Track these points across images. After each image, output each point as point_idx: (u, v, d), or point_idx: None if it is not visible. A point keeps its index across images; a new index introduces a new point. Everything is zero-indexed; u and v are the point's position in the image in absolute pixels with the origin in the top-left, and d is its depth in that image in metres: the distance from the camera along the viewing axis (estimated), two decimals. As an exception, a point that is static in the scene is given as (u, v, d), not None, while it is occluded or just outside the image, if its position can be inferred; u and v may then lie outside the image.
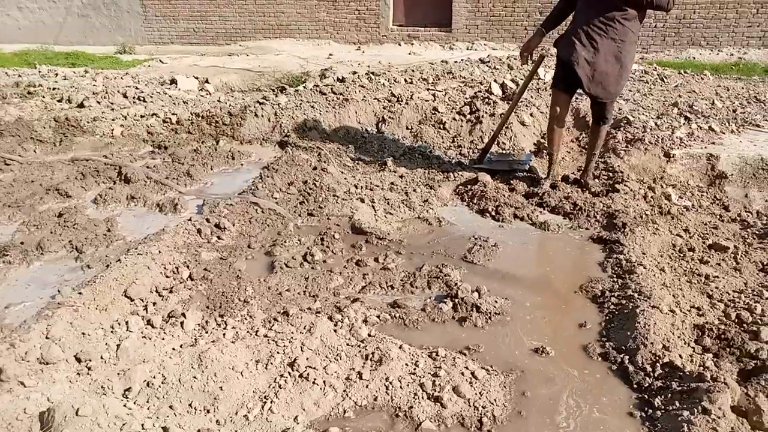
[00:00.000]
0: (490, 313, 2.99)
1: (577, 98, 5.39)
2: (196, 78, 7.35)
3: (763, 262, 3.52)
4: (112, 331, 2.72)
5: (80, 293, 2.92)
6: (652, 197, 4.37)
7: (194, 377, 2.42)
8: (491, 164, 4.83)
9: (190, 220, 3.84)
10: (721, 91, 6.53)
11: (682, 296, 3.09)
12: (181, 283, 3.19)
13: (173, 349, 2.65)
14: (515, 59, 7.53)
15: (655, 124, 5.26)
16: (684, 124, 5.29)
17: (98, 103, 6.22)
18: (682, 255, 3.58)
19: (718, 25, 9.94)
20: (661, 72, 7.28)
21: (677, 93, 6.36)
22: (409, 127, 5.50)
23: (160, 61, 9.34)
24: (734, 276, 3.38)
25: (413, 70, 6.79)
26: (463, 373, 2.52)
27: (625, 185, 4.41)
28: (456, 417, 2.31)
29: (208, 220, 3.82)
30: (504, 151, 5.10)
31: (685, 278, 3.33)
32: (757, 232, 3.88)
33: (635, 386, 2.49)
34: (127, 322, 2.79)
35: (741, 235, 3.87)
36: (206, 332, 2.78)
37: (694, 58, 9.70)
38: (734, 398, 2.31)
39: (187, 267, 3.31)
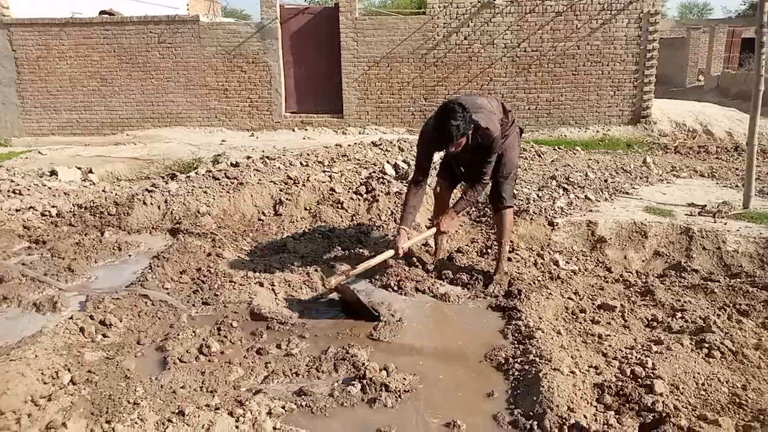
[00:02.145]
0: (399, 391, 2.93)
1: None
2: (79, 168, 7.00)
3: (647, 318, 3.76)
4: (-26, 454, 2.37)
5: (-64, 412, 2.54)
6: (541, 263, 4.60)
7: (76, 497, 2.13)
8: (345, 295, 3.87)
9: (71, 318, 3.52)
10: (592, 164, 7.15)
11: (579, 357, 3.20)
12: (61, 389, 2.87)
13: (51, 466, 2.35)
14: (405, 141, 7.89)
15: (537, 195, 5.62)
16: (563, 194, 5.70)
17: (-34, 198, 5.72)
18: (575, 317, 3.75)
19: (584, 106, 11.04)
20: (538, 149, 7.89)
21: (554, 167, 6.89)
22: (308, 208, 5.50)
23: (39, 152, 8.85)
24: (624, 333, 3.57)
25: (308, 154, 6.89)
26: (376, 458, 2.42)
27: (516, 254, 4.62)
28: (371, 506, 2.19)
29: (91, 317, 3.52)
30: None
31: (581, 339, 3.47)
32: (638, 291, 4.17)
33: (546, 452, 2.49)
34: (-7, 442, 2.44)
35: (625, 294, 4.13)
36: (90, 443, 2.49)
37: (565, 135, 10.63)
38: (638, 453, 2.37)
39: (68, 370, 2.99)
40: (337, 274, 3.88)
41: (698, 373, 3.03)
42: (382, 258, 3.97)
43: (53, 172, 6.92)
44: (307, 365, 3.19)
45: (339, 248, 4.77)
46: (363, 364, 3.13)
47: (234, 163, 6.36)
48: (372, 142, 7.66)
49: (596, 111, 11.03)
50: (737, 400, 2.83)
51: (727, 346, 3.25)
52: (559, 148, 8.37)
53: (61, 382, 2.91)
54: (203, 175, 6.02)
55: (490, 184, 4.24)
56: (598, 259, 4.77)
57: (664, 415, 2.68)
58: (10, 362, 2.93)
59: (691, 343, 3.31)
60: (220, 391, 2.95)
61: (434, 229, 4.21)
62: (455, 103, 3.70)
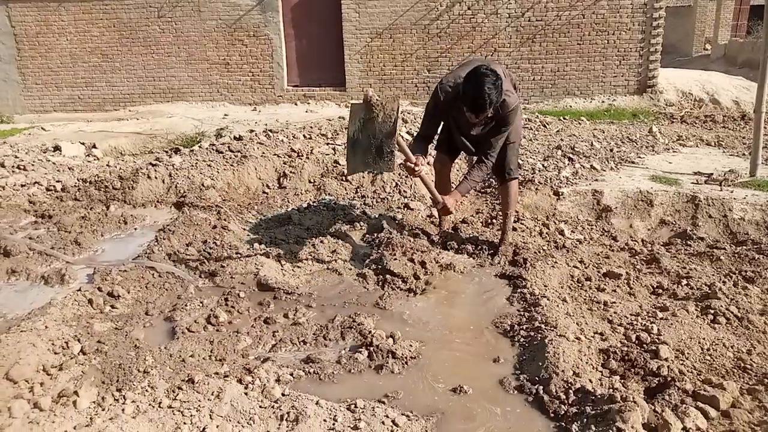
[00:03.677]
0: (406, 357, 2.96)
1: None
2: (83, 144, 6.99)
3: (653, 285, 3.77)
4: (-9, 421, 2.41)
5: (-50, 382, 2.58)
6: (547, 233, 4.60)
7: (90, 460, 2.18)
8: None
9: (79, 290, 3.55)
10: (597, 134, 7.10)
11: (585, 323, 3.22)
12: (72, 358, 2.91)
13: (66, 431, 2.38)
14: (408, 113, 7.82)
15: (543, 165, 5.59)
16: (568, 164, 5.67)
17: (-29, 175, 5.73)
18: (580, 285, 3.76)
19: (589, 76, 10.90)
20: (543, 119, 7.82)
21: (559, 137, 6.84)
22: (312, 181, 5.50)
23: (41, 128, 8.82)
24: (629, 300, 3.58)
25: (311, 127, 6.85)
26: (383, 422, 2.46)
27: (521, 223, 4.61)
28: (380, 468, 2.23)
29: (100, 289, 3.55)
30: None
31: (586, 306, 3.48)
32: (644, 259, 4.17)
33: (552, 415, 2.52)
34: (9, 408, 2.48)
35: (631, 262, 4.14)
36: (103, 409, 2.53)
37: (570, 106, 10.53)
38: (644, 416, 2.40)
39: (78, 341, 3.03)
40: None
41: (703, 339, 3.04)
42: (406, 150, 3.72)
43: (57, 148, 6.91)
44: (314, 334, 3.22)
45: (344, 221, 4.77)
46: (369, 331, 3.16)
47: (237, 136, 6.34)
48: (376, 115, 7.59)
49: (602, 81, 10.90)
50: (742, 364, 2.85)
51: (732, 312, 3.26)
52: (564, 119, 8.30)
53: (72, 352, 2.95)
54: (207, 148, 6.00)
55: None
56: (603, 228, 4.77)
57: (669, 379, 2.70)
58: (21, 333, 2.97)
59: (696, 310, 3.32)
60: (229, 359, 2.98)
61: (440, 198, 4.02)
62: (489, 69, 3.49)
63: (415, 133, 6.22)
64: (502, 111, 3.74)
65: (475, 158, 4.16)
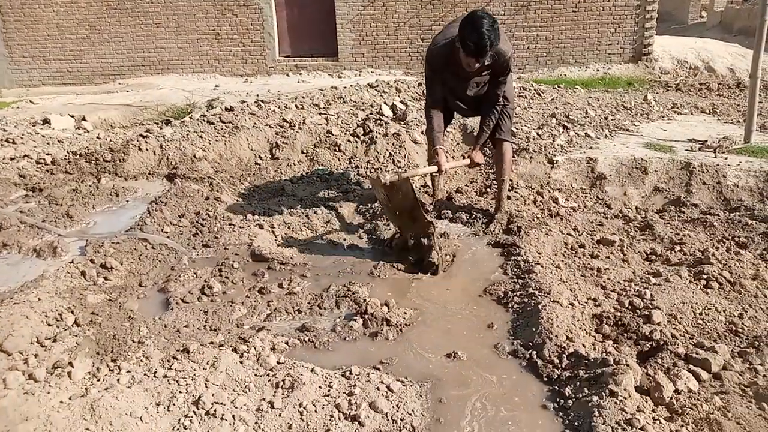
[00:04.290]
0: (400, 325, 2.97)
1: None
2: (72, 116, 6.88)
3: (646, 251, 3.78)
4: (-15, 392, 2.41)
5: (-56, 354, 2.57)
6: (541, 201, 4.59)
7: (87, 429, 2.19)
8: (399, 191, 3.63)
9: (72, 262, 3.53)
10: (592, 102, 7.04)
11: (578, 290, 3.24)
12: (65, 330, 2.90)
13: (61, 402, 2.38)
14: (402, 83, 7.74)
15: (537, 134, 5.55)
16: (563, 132, 5.63)
17: (-41, 148, 5.65)
18: (574, 252, 3.77)
19: (584, 44, 10.78)
20: (538, 88, 7.75)
21: (554, 105, 6.78)
22: (305, 151, 5.45)
23: (30, 101, 8.69)
24: (623, 267, 3.59)
25: (303, 97, 6.77)
26: (378, 388, 2.47)
27: (515, 192, 4.60)
28: (375, 433, 2.25)
29: (92, 261, 3.53)
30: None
31: (579, 273, 3.49)
32: (638, 226, 4.17)
33: (545, 379, 2.55)
34: (4, 380, 2.48)
35: (624, 229, 4.14)
36: (98, 380, 2.53)
37: (565, 75, 10.44)
38: (636, 378, 2.42)
39: (72, 312, 3.02)
40: (391, 173, 3.62)
41: (696, 303, 3.06)
42: (426, 171, 3.85)
43: (46, 121, 6.81)
44: (309, 303, 3.22)
45: (337, 191, 4.75)
46: (364, 300, 3.16)
47: (228, 107, 6.26)
48: (368, 84, 7.51)
49: (597, 49, 10.78)
50: (734, 328, 2.88)
51: (725, 277, 3.28)
52: (559, 87, 8.23)
53: (66, 323, 2.95)
54: (198, 119, 5.92)
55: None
56: (597, 196, 4.76)
57: (661, 343, 2.73)
58: (14, 305, 2.95)
59: (689, 275, 3.34)
60: (224, 329, 2.98)
61: (468, 160, 3.97)
62: (485, 12, 3.43)
63: (410, 104, 6.18)
64: (499, 59, 3.68)
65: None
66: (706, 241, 3.85)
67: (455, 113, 4.30)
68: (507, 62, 3.75)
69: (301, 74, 11.12)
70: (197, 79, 11.02)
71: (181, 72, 11.52)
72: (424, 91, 4.45)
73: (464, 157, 3.94)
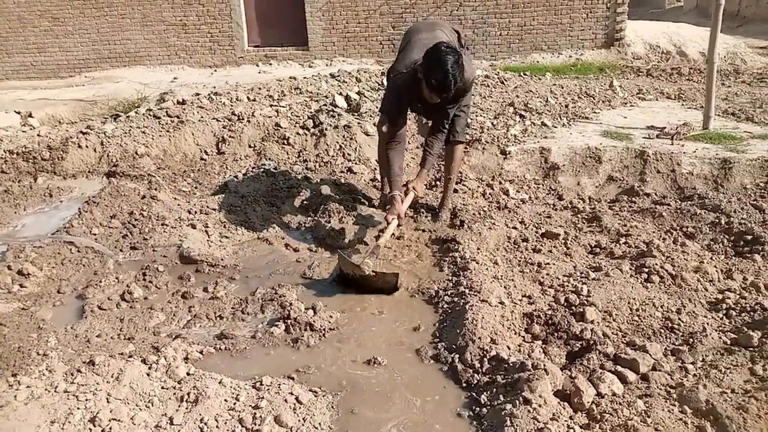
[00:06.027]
0: (324, 329, 2.84)
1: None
2: (18, 113, 6.65)
3: (591, 244, 3.66)
4: None
5: None
6: (490, 194, 4.46)
7: (-39, 455, 2.04)
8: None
9: (-14, 269, 3.36)
10: (555, 89, 6.89)
11: (513, 287, 3.11)
12: (-33, 344, 2.74)
13: (-54, 423, 2.24)
14: (364, 72, 7.55)
15: (492, 124, 5.41)
16: (519, 121, 5.49)
17: None
18: (516, 246, 3.64)
19: (556, 30, 10.62)
20: (502, 76, 7.58)
21: (515, 94, 6.63)
22: (252, 145, 5.26)
23: (-20, 98, 8.41)
24: (564, 261, 3.47)
25: (260, 88, 6.57)
26: (287, 400, 2.34)
27: (463, 185, 4.46)
28: (275, 449, 2.12)
29: (9, 267, 3.36)
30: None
31: (519, 268, 3.37)
32: (585, 217, 4.05)
33: (464, 385, 2.42)
34: None
35: (572, 221, 4.02)
36: (-8, 397, 2.38)
37: (537, 62, 10.27)
38: (555, 383, 2.30)
39: (-24, 324, 2.86)
40: (366, 256, 3.29)
41: (634, 299, 2.95)
42: (391, 231, 3.53)
43: (-9, 118, 6.57)
44: (232, 308, 3.08)
45: (283, 187, 4.58)
46: (290, 303, 3.02)
47: (180, 100, 6.05)
48: (330, 74, 7.31)
49: (569, 35, 10.62)
50: (670, 324, 2.76)
51: (666, 270, 3.16)
52: (525, 75, 8.07)
53: (-33, 336, 2.78)
54: (143, 114, 5.71)
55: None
56: (550, 187, 4.63)
57: (591, 343, 2.61)
58: None
59: (631, 269, 3.23)
60: (138, 338, 2.84)
61: (412, 194, 3.74)
62: (448, 47, 3.28)
63: (367, 94, 5.97)
64: (464, 86, 3.54)
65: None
66: (654, 232, 3.74)
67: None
68: (470, 86, 3.67)
69: (270, 64, 10.90)
70: (165, 71, 10.76)
71: (148, 64, 11.27)
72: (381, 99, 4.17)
73: (407, 192, 3.72)
